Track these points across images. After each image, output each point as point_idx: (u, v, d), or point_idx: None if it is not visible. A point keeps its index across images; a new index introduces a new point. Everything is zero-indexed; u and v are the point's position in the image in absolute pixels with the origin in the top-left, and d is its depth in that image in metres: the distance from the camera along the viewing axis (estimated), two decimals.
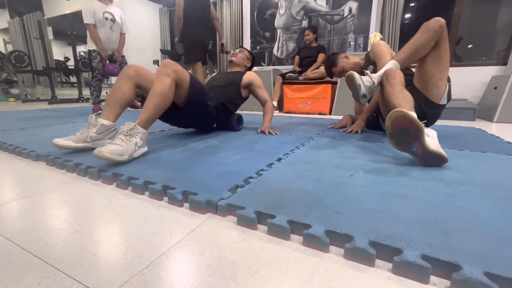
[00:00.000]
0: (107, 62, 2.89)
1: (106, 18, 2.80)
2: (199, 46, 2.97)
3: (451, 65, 3.23)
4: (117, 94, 1.25)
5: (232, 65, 1.92)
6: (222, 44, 3.24)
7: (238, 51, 1.94)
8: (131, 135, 1.05)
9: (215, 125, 1.74)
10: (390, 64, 1.28)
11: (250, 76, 1.79)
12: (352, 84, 1.29)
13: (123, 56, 3.12)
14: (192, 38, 2.89)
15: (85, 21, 2.69)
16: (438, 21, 1.21)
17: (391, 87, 1.18)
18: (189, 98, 1.37)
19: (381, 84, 1.29)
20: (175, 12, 3.43)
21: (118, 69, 2.97)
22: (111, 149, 0.96)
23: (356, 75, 1.27)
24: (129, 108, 3.29)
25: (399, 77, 1.21)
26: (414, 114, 0.97)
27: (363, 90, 1.26)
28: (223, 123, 1.78)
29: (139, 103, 3.22)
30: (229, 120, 1.77)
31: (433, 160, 0.98)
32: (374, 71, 1.63)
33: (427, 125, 1.58)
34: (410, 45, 1.26)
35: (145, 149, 1.14)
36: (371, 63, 1.69)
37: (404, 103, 1.11)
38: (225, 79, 1.79)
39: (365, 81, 1.26)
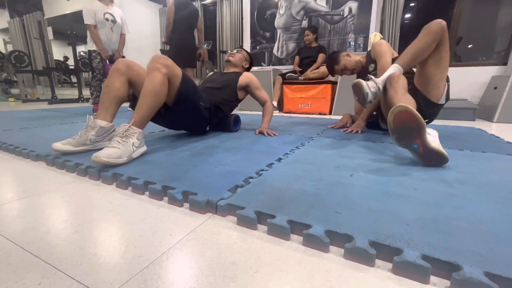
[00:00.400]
0: (107, 63, 2.89)
1: (107, 19, 2.79)
2: (186, 51, 3.10)
3: (451, 65, 3.23)
4: (110, 92, 1.21)
5: (228, 65, 1.84)
6: (200, 54, 3.32)
7: (236, 51, 1.88)
8: (127, 136, 1.04)
9: (208, 128, 1.65)
10: (393, 69, 1.29)
11: (246, 78, 1.73)
12: (359, 92, 1.30)
13: (123, 57, 3.12)
14: (179, 43, 3.02)
15: (85, 22, 2.68)
16: (439, 23, 1.21)
17: (394, 91, 1.20)
18: (179, 95, 1.28)
19: (384, 88, 1.31)
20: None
21: None
22: (109, 152, 0.95)
23: (364, 83, 1.28)
24: (129, 108, 3.29)
25: (402, 82, 1.23)
26: (418, 114, 0.98)
27: (369, 97, 1.28)
28: (219, 125, 1.73)
29: None
30: (226, 121, 1.73)
31: (434, 159, 0.98)
32: (375, 69, 1.65)
33: (426, 123, 1.61)
34: (412, 48, 1.27)
35: (144, 148, 1.13)
36: (372, 61, 1.70)
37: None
38: (220, 80, 1.72)
39: (371, 87, 1.28)
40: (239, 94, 1.75)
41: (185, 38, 3.04)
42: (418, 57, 1.28)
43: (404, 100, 1.15)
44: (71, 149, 1.13)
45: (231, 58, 1.82)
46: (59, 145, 1.12)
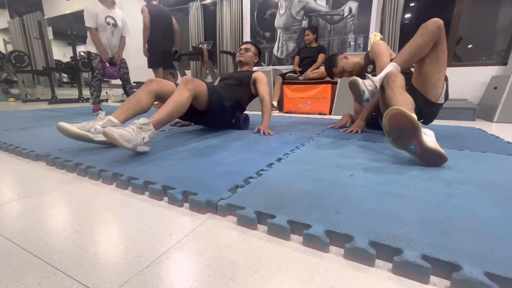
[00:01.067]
0: (108, 65, 2.90)
1: (108, 23, 2.79)
2: (162, 54, 3.36)
3: (452, 65, 3.23)
4: (133, 101, 1.33)
5: (241, 64, 1.99)
6: (176, 51, 3.62)
7: (244, 49, 1.97)
8: (142, 129, 1.09)
9: (233, 121, 1.86)
10: (391, 67, 1.28)
11: (257, 74, 1.89)
12: (356, 90, 1.30)
13: (123, 59, 3.13)
14: (156, 46, 3.28)
15: (86, 24, 2.68)
16: (436, 22, 1.21)
17: (391, 91, 1.20)
18: (210, 104, 1.54)
19: (382, 86, 1.30)
20: (172, 14, 3.63)
21: (118, 72, 3.01)
22: (122, 132, 1.00)
23: (360, 81, 1.27)
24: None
25: (399, 80, 1.22)
26: (412, 115, 0.98)
27: (366, 95, 1.28)
28: (236, 121, 1.87)
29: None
30: (238, 118, 1.84)
31: (432, 159, 0.98)
32: (373, 70, 1.65)
33: (425, 123, 1.61)
34: (409, 47, 1.27)
35: (147, 148, 1.14)
36: (370, 62, 1.70)
37: (404, 105, 1.11)
38: (236, 78, 1.90)
39: (368, 85, 1.28)
40: (252, 89, 1.92)
41: (160, 42, 3.29)
42: (416, 56, 1.27)
43: (401, 100, 1.15)
44: (74, 130, 1.17)
45: (242, 59, 1.97)
46: (65, 124, 1.16)
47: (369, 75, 1.30)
